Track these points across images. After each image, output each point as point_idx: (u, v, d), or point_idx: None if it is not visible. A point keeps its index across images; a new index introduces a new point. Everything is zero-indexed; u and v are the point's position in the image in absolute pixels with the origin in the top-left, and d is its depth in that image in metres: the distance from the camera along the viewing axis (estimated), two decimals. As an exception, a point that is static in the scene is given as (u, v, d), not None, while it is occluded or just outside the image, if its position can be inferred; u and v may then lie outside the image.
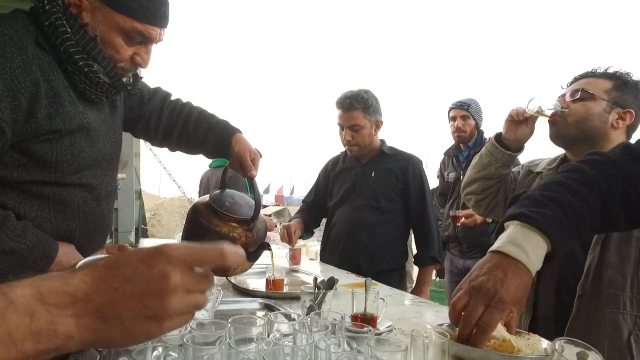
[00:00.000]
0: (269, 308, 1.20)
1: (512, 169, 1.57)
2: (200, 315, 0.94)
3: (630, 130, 1.34)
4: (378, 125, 2.06)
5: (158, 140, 1.35)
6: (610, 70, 1.34)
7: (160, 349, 0.67)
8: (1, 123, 0.84)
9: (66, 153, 0.96)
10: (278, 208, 4.39)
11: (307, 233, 2.25)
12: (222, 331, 0.68)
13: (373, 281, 1.37)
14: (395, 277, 2.03)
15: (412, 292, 2.01)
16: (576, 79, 1.38)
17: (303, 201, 2.44)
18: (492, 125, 2.89)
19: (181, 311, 0.42)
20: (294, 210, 3.43)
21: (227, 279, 1.48)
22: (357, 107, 1.98)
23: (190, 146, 1.35)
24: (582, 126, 1.31)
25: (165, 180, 3.52)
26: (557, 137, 1.37)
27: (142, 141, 3.89)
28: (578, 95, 1.31)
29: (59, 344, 0.37)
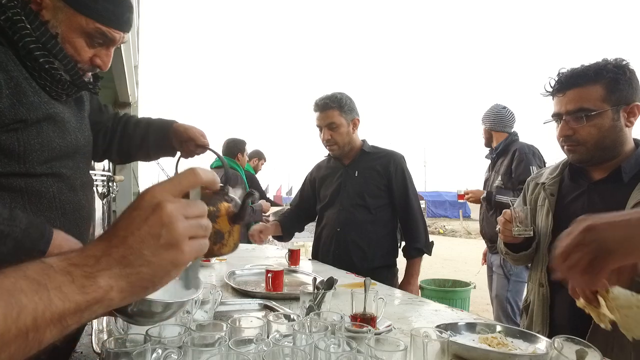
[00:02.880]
0: (268, 309, 1.19)
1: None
2: (200, 316, 0.94)
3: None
4: (355, 123, 2.12)
5: (100, 151, 1.35)
6: (592, 67, 1.24)
7: (159, 351, 0.67)
8: None
9: (34, 142, 0.94)
10: (277, 208, 4.37)
11: (285, 235, 2.34)
12: (222, 332, 0.68)
13: (372, 281, 1.38)
14: (387, 274, 2.07)
15: (401, 284, 2.08)
16: (561, 90, 1.27)
17: (290, 204, 2.51)
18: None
19: (190, 233, 0.48)
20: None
21: (225, 280, 1.48)
22: (333, 107, 2.06)
23: (132, 146, 1.36)
24: (601, 146, 1.23)
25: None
26: (581, 162, 1.30)
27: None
28: (584, 120, 1.22)
29: (103, 294, 0.43)
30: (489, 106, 2.96)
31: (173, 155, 1.36)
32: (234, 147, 3.86)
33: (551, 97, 1.30)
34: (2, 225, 0.85)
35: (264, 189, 6.72)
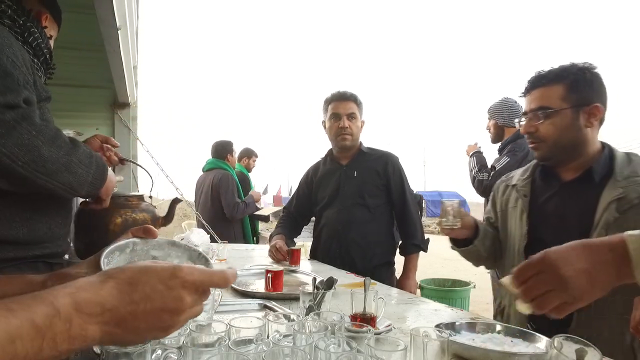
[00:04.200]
0: (268, 309, 1.19)
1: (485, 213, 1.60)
2: (200, 316, 0.94)
3: (601, 123, 1.31)
4: (363, 123, 2.21)
5: None
6: (556, 69, 1.29)
7: (159, 351, 0.67)
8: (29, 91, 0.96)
9: (49, 118, 1.06)
10: (276, 209, 4.38)
11: (289, 244, 2.32)
12: (221, 332, 0.68)
13: (372, 281, 1.38)
14: (386, 272, 2.09)
15: (399, 279, 2.12)
16: (528, 90, 1.34)
17: (285, 208, 2.51)
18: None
19: (186, 322, 0.51)
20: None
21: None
22: (352, 99, 2.15)
23: None
24: (560, 144, 1.28)
25: (163, 182, 3.52)
26: (543, 160, 1.36)
27: (139, 143, 3.89)
28: (541, 117, 1.28)
29: (84, 345, 0.44)
30: (497, 100, 2.86)
31: None
32: (222, 150, 3.91)
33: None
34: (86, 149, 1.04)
35: (263, 188, 6.73)
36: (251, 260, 2.10)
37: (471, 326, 1.03)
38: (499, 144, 2.85)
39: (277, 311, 1.12)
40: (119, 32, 2.10)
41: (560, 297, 0.74)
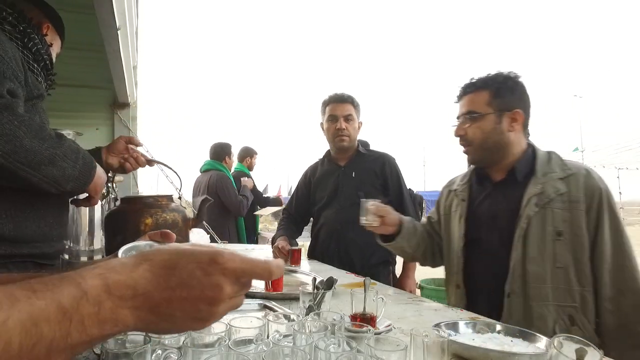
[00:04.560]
0: (268, 309, 1.19)
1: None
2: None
3: (525, 127, 1.41)
4: (360, 125, 2.24)
5: None
6: (483, 77, 1.39)
7: (159, 351, 0.67)
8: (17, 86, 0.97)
9: (44, 116, 1.08)
10: (276, 209, 4.37)
11: (292, 244, 2.34)
12: (221, 332, 0.68)
13: (372, 281, 1.38)
14: (384, 271, 2.11)
15: (399, 277, 2.18)
16: (460, 97, 1.44)
17: (284, 210, 2.54)
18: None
19: (225, 314, 0.47)
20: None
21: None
22: (349, 101, 2.18)
23: None
24: (485, 146, 1.38)
25: (163, 182, 3.54)
26: (473, 162, 1.47)
27: (139, 143, 3.90)
28: (469, 121, 1.38)
29: (117, 330, 0.42)
30: None
31: (110, 179, 1.40)
32: (221, 152, 3.93)
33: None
34: (73, 143, 1.04)
35: (263, 188, 6.73)
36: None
37: (471, 326, 1.03)
38: None
39: (277, 311, 1.12)
40: (118, 32, 2.10)
41: None
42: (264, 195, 4.04)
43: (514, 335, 0.97)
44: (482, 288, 1.39)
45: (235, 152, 4.17)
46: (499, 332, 1.00)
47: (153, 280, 0.43)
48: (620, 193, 23.47)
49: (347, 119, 2.15)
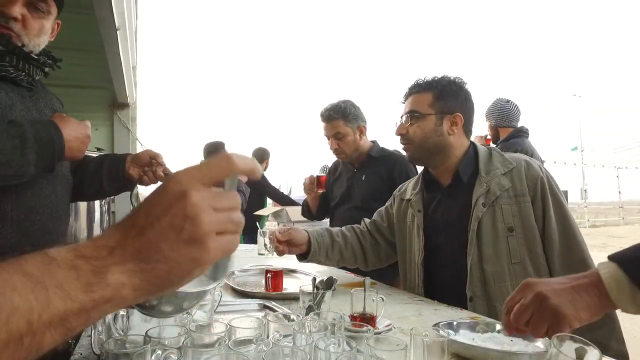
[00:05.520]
0: (268, 309, 1.19)
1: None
2: (199, 317, 0.94)
3: (466, 131, 1.42)
4: (362, 130, 2.20)
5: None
6: (429, 79, 1.41)
7: (159, 352, 0.67)
8: None
9: None
10: (276, 209, 4.37)
11: (320, 212, 2.47)
12: (221, 333, 0.68)
13: (372, 280, 1.38)
14: (388, 273, 2.10)
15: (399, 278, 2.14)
16: (406, 96, 1.46)
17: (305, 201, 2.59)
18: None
19: (217, 228, 0.41)
20: (292, 211, 3.44)
21: (225, 280, 1.48)
22: (337, 117, 2.15)
23: (85, 177, 1.33)
24: (424, 146, 1.39)
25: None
26: (412, 160, 1.50)
27: (138, 143, 3.89)
28: (410, 119, 1.40)
29: (113, 292, 0.38)
30: (492, 101, 2.89)
31: (129, 188, 1.37)
32: (214, 151, 3.93)
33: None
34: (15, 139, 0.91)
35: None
36: (251, 260, 2.10)
37: (471, 326, 1.03)
38: (498, 144, 2.88)
39: (277, 311, 1.12)
40: (118, 32, 2.10)
41: (548, 322, 0.79)
42: (288, 196, 4.01)
43: (513, 335, 0.97)
44: (445, 296, 1.36)
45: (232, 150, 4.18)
46: (498, 331, 1.00)
47: (121, 231, 0.40)
48: (619, 192, 23.47)
49: (336, 136, 2.15)
